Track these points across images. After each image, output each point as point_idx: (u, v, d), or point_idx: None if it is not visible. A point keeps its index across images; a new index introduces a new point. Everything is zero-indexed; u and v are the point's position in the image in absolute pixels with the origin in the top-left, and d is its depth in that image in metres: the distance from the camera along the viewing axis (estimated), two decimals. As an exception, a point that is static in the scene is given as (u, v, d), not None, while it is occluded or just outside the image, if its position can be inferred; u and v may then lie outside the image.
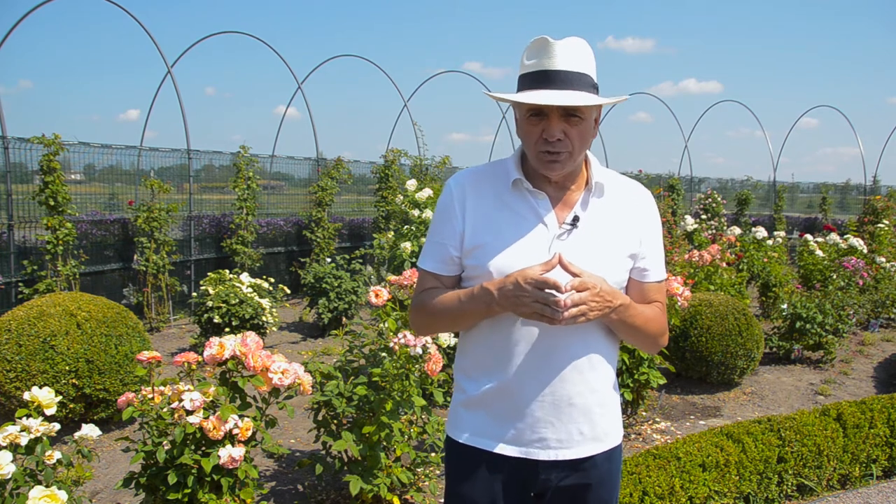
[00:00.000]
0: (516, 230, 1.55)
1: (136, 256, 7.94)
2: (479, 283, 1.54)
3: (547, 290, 1.40)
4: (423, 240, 5.87)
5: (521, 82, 1.52)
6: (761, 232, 10.11)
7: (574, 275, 1.43)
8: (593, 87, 1.50)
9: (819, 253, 9.34)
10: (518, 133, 1.57)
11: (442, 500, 1.78)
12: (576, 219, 1.55)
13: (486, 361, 1.58)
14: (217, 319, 6.34)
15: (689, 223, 11.52)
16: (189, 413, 2.58)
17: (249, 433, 2.62)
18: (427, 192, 6.31)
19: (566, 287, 1.40)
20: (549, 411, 1.55)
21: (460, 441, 1.64)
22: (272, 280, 7.15)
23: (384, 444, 3.25)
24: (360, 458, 3.22)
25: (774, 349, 6.75)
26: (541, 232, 1.54)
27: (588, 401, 1.57)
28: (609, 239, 1.56)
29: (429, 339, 3.04)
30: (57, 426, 2.37)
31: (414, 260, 5.87)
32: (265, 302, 6.68)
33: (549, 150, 1.49)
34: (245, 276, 6.89)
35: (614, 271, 1.56)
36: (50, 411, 2.46)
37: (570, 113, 1.47)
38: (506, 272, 1.49)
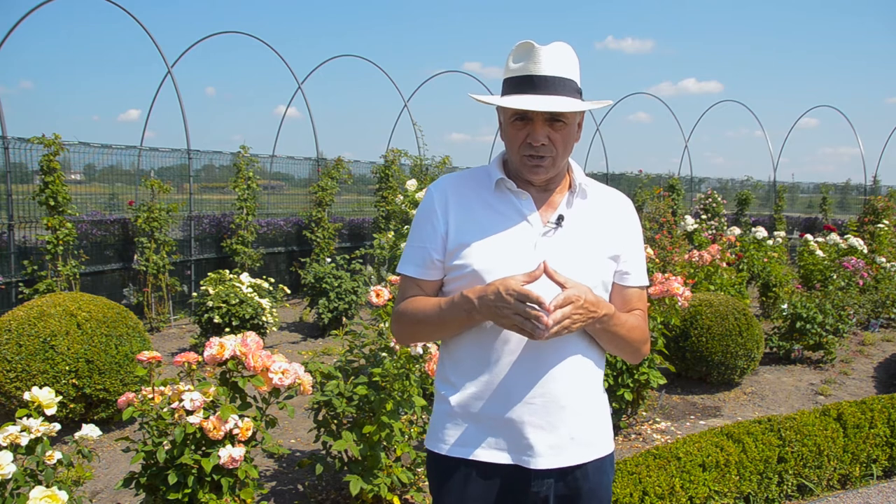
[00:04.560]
0: (501, 230, 1.52)
1: (136, 256, 7.94)
2: (462, 284, 1.50)
3: (528, 304, 1.36)
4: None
5: (506, 86, 1.51)
6: (761, 232, 10.12)
7: (559, 284, 1.41)
8: (577, 93, 1.50)
9: (819, 253, 9.34)
10: (502, 136, 1.56)
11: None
12: (560, 218, 1.54)
13: (470, 367, 1.53)
14: (217, 319, 6.34)
15: (689, 223, 11.51)
16: (189, 413, 2.58)
17: (249, 433, 2.62)
18: (427, 192, 6.30)
19: (550, 306, 1.36)
20: (539, 415, 1.49)
21: (443, 454, 1.58)
22: (272, 280, 7.15)
23: (384, 443, 3.26)
24: (360, 457, 3.22)
25: (774, 349, 6.75)
26: (525, 231, 1.52)
27: (579, 402, 1.52)
28: (593, 239, 1.55)
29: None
30: (57, 426, 2.38)
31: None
32: (265, 302, 6.68)
33: (533, 155, 1.48)
34: (245, 276, 6.89)
35: (599, 271, 1.55)
36: (50, 411, 2.47)
37: (554, 118, 1.47)
38: (491, 271, 1.47)
